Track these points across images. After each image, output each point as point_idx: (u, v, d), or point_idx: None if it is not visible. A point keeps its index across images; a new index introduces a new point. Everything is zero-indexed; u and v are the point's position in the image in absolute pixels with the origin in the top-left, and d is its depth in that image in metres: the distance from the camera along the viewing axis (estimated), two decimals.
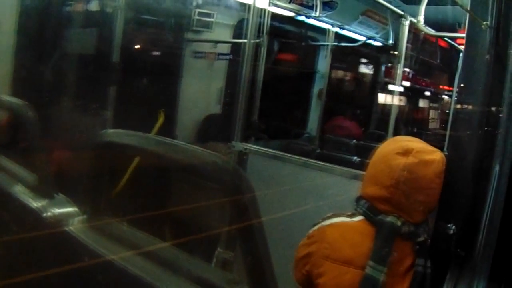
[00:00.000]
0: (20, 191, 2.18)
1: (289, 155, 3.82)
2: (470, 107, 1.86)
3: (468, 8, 1.88)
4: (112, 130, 1.82)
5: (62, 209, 2.01)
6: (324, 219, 2.00)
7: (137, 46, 4.91)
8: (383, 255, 1.80)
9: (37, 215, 2.00)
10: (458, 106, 1.94)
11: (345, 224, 1.93)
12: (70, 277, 1.75)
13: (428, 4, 4.51)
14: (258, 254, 1.40)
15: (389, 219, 1.83)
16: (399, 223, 1.81)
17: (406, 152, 1.84)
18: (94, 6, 4.73)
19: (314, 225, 2.01)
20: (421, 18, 4.55)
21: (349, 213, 1.97)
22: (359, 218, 1.92)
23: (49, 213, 1.99)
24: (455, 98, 1.95)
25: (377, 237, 1.83)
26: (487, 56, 1.78)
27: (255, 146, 4.04)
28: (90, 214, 1.89)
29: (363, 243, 1.85)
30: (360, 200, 1.94)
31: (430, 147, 1.90)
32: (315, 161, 3.69)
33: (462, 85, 1.97)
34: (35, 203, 2.06)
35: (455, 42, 6.54)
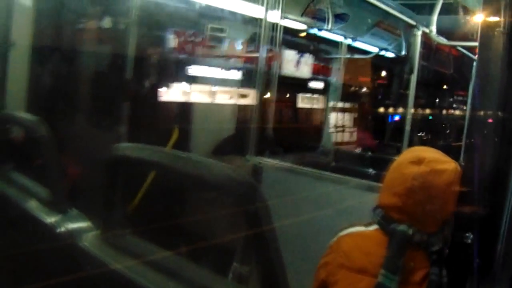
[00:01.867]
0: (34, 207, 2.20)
1: (303, 168, 3.81)
2: (485, 115, 1.84)
3: (480, 15, 1.88)
4: (125, 144, 1.83)
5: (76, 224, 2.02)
6: (341, 230, 2.02)
7: (149, 60, 4.93)
8: (395, 264, 1.81)
9: (51, 230, 2.01)
10: (473, 114, 1.93)
11: (360, 233, 1.96)
12: None
13: (440, 14, 4.50)
14: (273, 268, 1.40)
15: (401, 227, 1.84)
16: (410, 232, 1.82)
17: (419, 161, 1.85)
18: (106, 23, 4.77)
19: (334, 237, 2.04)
20: (434, 28, 4.54)
21: (365, 223, 1.99)
22: (374, 227, 1.94)
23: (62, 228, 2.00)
24: (470, 106, 1.93)
25: (389, 245, 1.85)
26: (501, 63, 1.76)
27: (269, 160, 4.04)
28: (105, 228, 1.89)
29: (377, 251, 1.86)
30: (376, 209, 1.96)
31: (444, 157, 1.89)
32: (330, 174, 3.67)
33: (476, 93, 1.95)
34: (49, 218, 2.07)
35: (468, 50, 6.51)
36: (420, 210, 1.82)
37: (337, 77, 7.12)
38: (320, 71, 6.94)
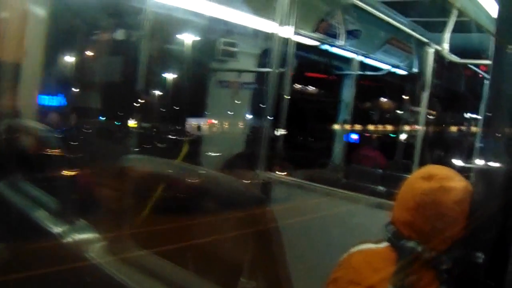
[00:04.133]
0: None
1: (313, 184, 3.79)
2: (497, 133, 1.82)
3: (494, 33, 1.87)
4: (134, 156, 1.84)
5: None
6: (356, 244, 1.99)
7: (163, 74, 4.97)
8: (402, 281, 1.78)
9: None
10: (485, 132, 1.91)
11: (370, 250, 1.93)
12: None
13: (452, 31, 4.49)
14: (279, 283, 1.39)
15: (410, 244, 1.82)
16: (419, 249, 1.80)
17: (429, 177, 1.84)
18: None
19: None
20: (446, 45, 4.53)
21: (376, 240, 1.96)
22: (384, 244, 1.91)
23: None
24: (482, 125, 1.91)
25: (398, 262, 1.82)
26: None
27: (279, 175, 4.02)
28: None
29: (386, 268, 1.82)
30: (388, 226, 1.93)
31: (455, 175, 1.88)
32: (339, 190, 3.65)
33: (488, 111, 1.94)
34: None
35: (480, 69, 6.49)
36: (430, 227, 1.80)
37: (348, 94, 7.12)
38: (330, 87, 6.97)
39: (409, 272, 1.80)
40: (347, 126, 7.18)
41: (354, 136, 7.65)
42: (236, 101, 5.68)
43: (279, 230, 1.49)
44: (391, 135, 8.60)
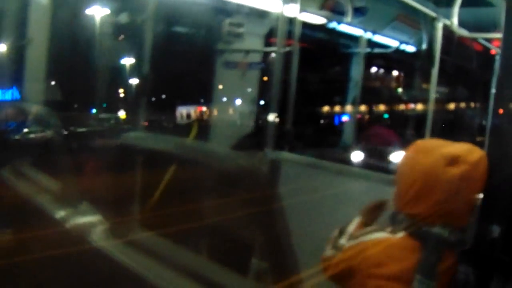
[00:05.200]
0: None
1: (322, 161, 3.77)
2: (510, 104, 1.79)
3: (505, 5, 1.82)
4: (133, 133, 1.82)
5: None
6: (362, 234, 1.93)
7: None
8: (431, 268, 1.72)
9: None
10: (498, 104, 1.87)
11: (387, 241, 1.84)
12: None
13: (461, 6, 4.42)
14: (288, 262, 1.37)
15: (435, 230, 1.75)
16: (446, 233, 1.74)
17: (454, 161, 1.75)
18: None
19: (351, 237, 1.97)
20: (455, 20, 4.46)
21: (389, 229, 1.87)
22: (401, 234, 1.82)
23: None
24: (494, 97, 1.87)
25: (424, 250, 1.75)
26: None
27: (288, 154, 4.00)
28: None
29: (408, 258, 1.76)
30: (399, 215, 1.86)
31: (469, 146, 1.82)
32: (349, 167, 3.63)
33: (500, 84, 1.89)
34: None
35: (491, 43, 6.40)
36: (460, 208, 1.75)
37: (357, 72, 7.05)
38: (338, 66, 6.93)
39: (438, 258, 1.75)
40: (356, 105, 7.13)
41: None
42: (243, 82, 5.65)
43: (288, 209, 1.47)
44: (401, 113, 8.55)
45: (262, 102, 5.46)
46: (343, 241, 1.98)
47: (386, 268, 1.78)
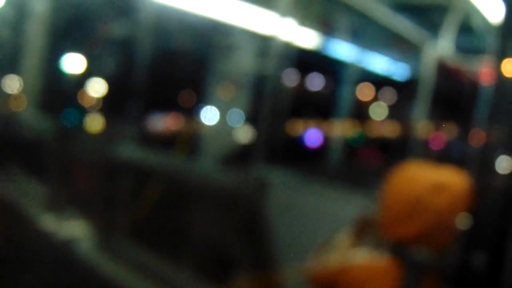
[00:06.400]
0: None
1: (311, 178, 3.79)
2: (497, 132, 1.83)
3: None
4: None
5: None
6: (349, 253, 1.93)
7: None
8: None
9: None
10: (486, 130, 1.91)
11: (372, 264, 1.85)
12: None
13: (453, 32, 4.50)
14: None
15: (417, 254, 1.77)
16: (429, 258, 1.76)
17: (441, 189, 1.77)
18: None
19: (336, 254, 1.96)
20: (446, 47, 4.54)
21: (374, 251, 1.87)
22: (384, 257, 1.83)
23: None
24: (487, 125, 1.91)
25: (406, 273, 1.76)
26: None
27: (276, 171, 4.02)
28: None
29: (392, 281, 1.78)
30: (382, 239, 1.87)
31: (455, 173, 1.84)
32: (338, 184, 3.65)
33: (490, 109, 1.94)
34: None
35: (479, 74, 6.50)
36: (443, 234, 1.77)
37: (346, 95, 7.11)
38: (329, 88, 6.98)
39: (420, 283, 1.76)
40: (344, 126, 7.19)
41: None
42: (234, 96, 5.67)
43: (270, 226, 1.49)
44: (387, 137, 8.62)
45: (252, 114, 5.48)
46: (331, 255, 1.98)
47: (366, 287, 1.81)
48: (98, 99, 4.52)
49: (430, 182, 1.79)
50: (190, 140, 4.77)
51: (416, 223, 1.77)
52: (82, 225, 2.11)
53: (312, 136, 7.10)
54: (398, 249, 1.81)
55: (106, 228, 2.00)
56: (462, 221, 1.81)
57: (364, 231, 2.05)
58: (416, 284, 1.77)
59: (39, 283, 1.97)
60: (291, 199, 3.63)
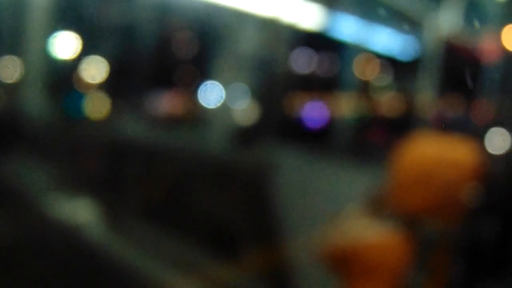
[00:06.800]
0: None
1: (322, 153, 3.80)
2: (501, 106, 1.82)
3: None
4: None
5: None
6: (362, 225, 1.98)
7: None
8: (422, 263, 1.78)
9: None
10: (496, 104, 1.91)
11: (385, 234, 1.89)
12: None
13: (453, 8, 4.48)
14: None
15: (429, 226, 1.80)
16: (439, 230, 1.79)
17: (450, 160, 1.83)
18: None
19: (350, 225, 2.01)
20: (448, 22, 4.52)
21: (387, 223, 1.92)
22: (397, 228, 1.87)
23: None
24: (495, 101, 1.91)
25: (418, 245, 1.81)
26: None
27: (283, 149, 4.03)
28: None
29: (405, 252, 1.82)
30: (391, 215, 1.91)
31: (467, 146, 1.86)
32: (349, 160, 3.66)
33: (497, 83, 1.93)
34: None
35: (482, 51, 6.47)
36: (454, 205, 1.79)
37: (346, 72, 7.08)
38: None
39: (432, 254, 1.78)
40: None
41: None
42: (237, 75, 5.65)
43: (282, 197, 1.50)
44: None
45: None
46: (345, 226, 2.01)
47: (378, 261, 1.84)
48: (98, 80, 4.51)
49: (439, 155, 1.85)
50: (196, 120, 4.76)
51: (426, 195, 1.82)
52: (91, 209, 2.12)
53: (317, 115, 7.09)
54: (409, 223, 1.85)
55: (115, 210, 2.01)
56: (473, 195, 1.80)
57: (376, 205, 2.07)
58: (426, 255, 1.83)
59: (49, 269, 1.98)
60: (298, 177, 3.64)
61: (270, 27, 4.54)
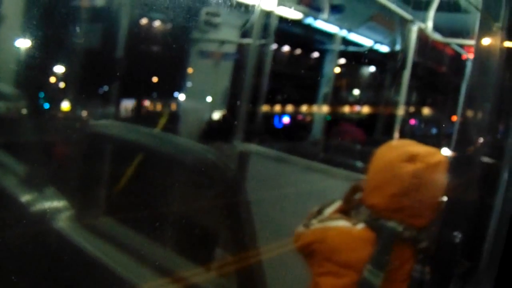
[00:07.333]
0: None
1: (291, 156, 3.78)
2: (478, 111, 1.82)
3: (480, 10, 1.85)
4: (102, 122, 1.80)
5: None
6: (330, 219, 1.99)
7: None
8: (381, 260, 1.83)
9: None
10: (466, 110, 1.91)
11: (347, 230, 1.92)
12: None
13: (437, 10, 4.47)
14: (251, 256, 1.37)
15: (390, 224, 1.83)
16: (400, 228, 1.82)
17: (412, 158, 1.83)
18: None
19: (320, 219, 2.02)
20: (430, 23, 4.50)
21: (354, 220, 1.95)
22: (361, 225, 1.91)
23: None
24: (464, 103, 1.91)
25: (377, 242, 1.84)
26: (498, 59, 1.73)
27: (257, 147, 4.00)
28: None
29: (363, 248, 1.85)
30: (360, 207, 1.95)
31: (432, 149, 1.90)
32: (318, 164, 3.65)
33: (471, 89, 1.93)
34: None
35: (463, 49, 6.49)
36: (414, 206, 1.82)
37: (329, 70, 7.08)
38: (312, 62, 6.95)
39: (389, 252, 1.82)
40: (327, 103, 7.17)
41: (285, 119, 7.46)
42: (216, 72, 5.61)
43: (253, 203, 1.47)
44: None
45: (233, 93, 5.44)
46: (314, 221, 2.03)
47: (341, 255, 1.87)
48: (70, 79, 4.43)
49: (404, 152, 1.87)
50: (168, 117, 4.71)
51: (390, 191, 1.84)
52: (60, 203, 2.07)
53: (288, 115, 7.09)
54: (373, 218, 1.89)
55: (84, 205, 1.96)
56: (440, 198, 1.84)
57: (351, 201, 2.09)
58: (387, 252, 1.84)
59: (16, 261, 1.94)
60: (270, 174, 3.62)
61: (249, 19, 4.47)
